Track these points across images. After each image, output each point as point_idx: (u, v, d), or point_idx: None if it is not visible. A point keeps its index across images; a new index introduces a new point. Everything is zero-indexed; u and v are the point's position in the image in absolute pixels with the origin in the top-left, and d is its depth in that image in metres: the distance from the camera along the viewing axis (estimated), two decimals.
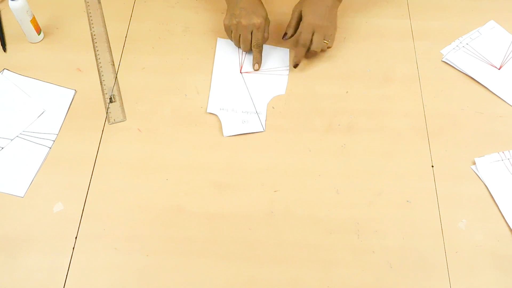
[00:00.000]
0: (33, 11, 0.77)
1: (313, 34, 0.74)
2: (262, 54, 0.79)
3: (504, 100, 0.76)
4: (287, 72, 0.78)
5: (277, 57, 0.80)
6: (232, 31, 0.77)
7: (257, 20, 0.74)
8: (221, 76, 0.77)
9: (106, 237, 0.63)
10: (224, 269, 0.61)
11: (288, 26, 0.77)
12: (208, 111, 0.74)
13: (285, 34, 0.78)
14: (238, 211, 0.65)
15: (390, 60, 0.80)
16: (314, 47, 0.75)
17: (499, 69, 0.79)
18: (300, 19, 0.76)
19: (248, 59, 0.79)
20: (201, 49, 0.80)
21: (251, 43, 0.77)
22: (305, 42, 0.74)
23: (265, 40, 0.78)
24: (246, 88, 0.76)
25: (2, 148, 0.70)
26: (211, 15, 0.84)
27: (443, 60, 0.80)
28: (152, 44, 0.81)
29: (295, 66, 0.77)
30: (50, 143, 0.70)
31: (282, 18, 0.82)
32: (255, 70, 0.78)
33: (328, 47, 0.77)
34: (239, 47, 0.79)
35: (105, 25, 0.83)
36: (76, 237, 0.63)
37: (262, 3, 0.77)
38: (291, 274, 0.61)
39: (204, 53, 0.80)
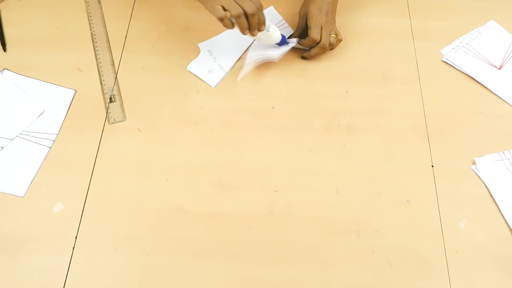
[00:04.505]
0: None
1: (322, 32, 0.75)
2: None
3: (504, 100, 0.76)
4: (293, 44, 0.77)
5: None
6: (223, 13, 0.67)
7: None
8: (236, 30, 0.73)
9: (106, 237, 0.63)
10: (224, 269, 0.61)
11: (296, 28, 0.79)
12: (198, 44, 0.79)
13: (291, 35, 0.79)
14: (238, 211, 0.65)
15: (390, 60, 0.80)
16: (323, 41, 0.75)
17: (499, 69, 0.79)
18: (306, 20, 0.76)
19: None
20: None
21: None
22: (316, 37, 0.75)
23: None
24: (245, 48, 0.79)
25: (2, 148, 0.70)
26: (211, 14, 0.84)
27: (443, 60, 0.80)
28: (152, 44, 0.81)
29: (303, 57, 0.79)
30: (50, 143, 0.70)
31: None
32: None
33: (339, 40, 0.78)
34: (244, 30, 0.69)
35: (105, 25, 0.83)
36: (76, 237, 0.63)
37: None
38: (291, 274, 0.61)
39: None
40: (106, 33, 0.82)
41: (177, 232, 0.64)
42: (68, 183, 0.67)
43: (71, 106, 0.74)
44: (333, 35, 0.77)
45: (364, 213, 0.66)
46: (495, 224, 0.65)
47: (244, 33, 0.70)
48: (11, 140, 0.71)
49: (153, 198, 0.66)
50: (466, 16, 0.86)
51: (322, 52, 0.78)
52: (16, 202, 0.66)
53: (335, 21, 0.78)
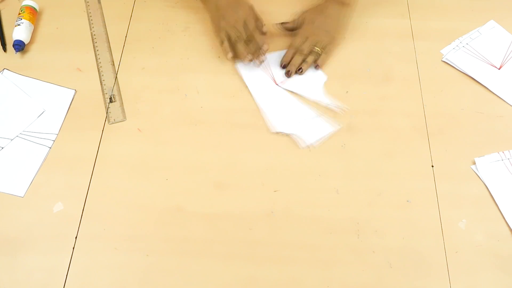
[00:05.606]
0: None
1: (306, 41, 0.76)
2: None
3: (504, 100, 0.76)
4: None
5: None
6: (225, 39, 0.74)
7: (243, 9, 0.73)
8: (263, 96, 0.74)
9: (106, 237, 0.63)
10: (224, 269, 0.61)
11: (292, 21, 0.80)
12: (277, 130, 0.71)
13: (283, 23, 0.80)
14: (238, 211, 0.65)
15: (390, 60, 0.80)
16: (303, 49, 0.75)
17: (499, 69, 0.79)
18: (301, 24, 0.77)
19: (277, 71, 0.77)
20: (201, 49, 0.80)
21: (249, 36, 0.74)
22: (295, 45, 0.76)
23: (261, 28, 0.76)
24: (293, 98, 0.75)
25: (2, 148, 0.70)
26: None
27: (443, 60, 0.80)
28: (152, 44, 0.81)
29: (287, 73, 0.76)
30: (50, 143, 0.70)
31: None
32: (260, 61, 0.75)
33: (324, 57, 0.76)
34: (242, 58, 0.74)
35: (105, 25, 0.83)
36: (76, 237, 0.63)
37: None
38: (291, 274, 0.61)
39: (204, 53, 0.80)
40: (106, 33, 0.82)
41: (177, 232, 0.64)
42: (68, 183, 0.67)
43: (71, 106, 0.74)
44: (317, 48, 0.75)
45: (364, 213, 0.66)
46: (495, 224, 0.65)
47: (243, 59, 0.74)
48: (11, 140, 0.71)
49: (153, 198, 0.66)
50: (466, 16, 0.86)
51: (312, 61, 0.76)
52: (16, 202, 0.66)
53: (333, 38, 0.77)
